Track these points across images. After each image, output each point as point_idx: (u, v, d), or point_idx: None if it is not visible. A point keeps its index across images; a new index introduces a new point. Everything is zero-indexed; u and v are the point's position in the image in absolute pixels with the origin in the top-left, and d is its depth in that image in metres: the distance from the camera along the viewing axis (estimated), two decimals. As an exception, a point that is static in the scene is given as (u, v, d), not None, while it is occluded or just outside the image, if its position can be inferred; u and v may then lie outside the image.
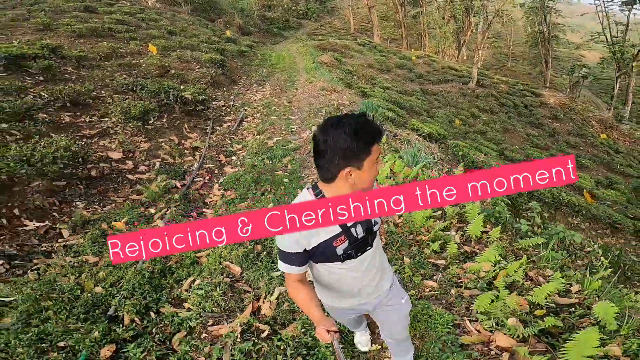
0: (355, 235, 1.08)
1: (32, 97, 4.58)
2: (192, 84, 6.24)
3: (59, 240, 2.55)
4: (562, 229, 2.89)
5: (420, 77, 14.28)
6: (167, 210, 2.71)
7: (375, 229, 1.13)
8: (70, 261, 2.28)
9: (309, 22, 30.39)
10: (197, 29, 14.27)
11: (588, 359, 1.45)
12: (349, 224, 1.06)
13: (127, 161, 3.57)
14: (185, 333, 1.82)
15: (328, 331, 1.09)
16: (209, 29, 16.04)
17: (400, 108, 8.67)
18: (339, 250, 1.07)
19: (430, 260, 2.20)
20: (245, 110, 6.14)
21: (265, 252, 2.13)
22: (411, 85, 13.49)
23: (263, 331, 1.69)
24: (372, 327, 1.82)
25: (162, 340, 1.82)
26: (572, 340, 1.47)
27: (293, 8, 28.35)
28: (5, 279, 2.19)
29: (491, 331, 1.66)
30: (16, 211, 2.67)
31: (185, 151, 3.98)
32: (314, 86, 7.64)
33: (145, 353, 1.76)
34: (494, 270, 1.96)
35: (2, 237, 2.47)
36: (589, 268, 2.39)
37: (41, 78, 5.43)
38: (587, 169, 11.52)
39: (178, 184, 3.15)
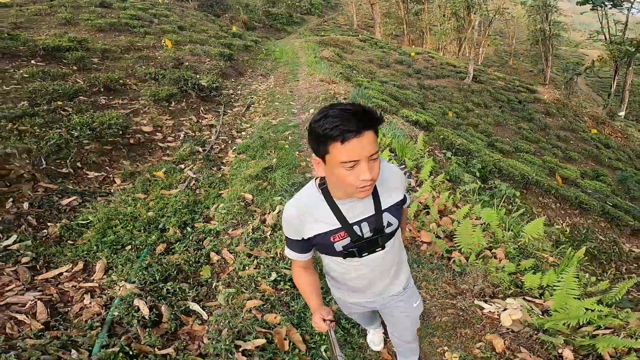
0: (359, 234, 1.03)
1: (70, 83, 5.49)
2: (205, 75, 7.13)
3: (114, 185, 3.45)
4: (504, 186, 3.72)
5: (418, 72, 15.06)
6: (194, 166, 3.60)
7: (387, 230, 1.06)
8: (126, 197, 3.17)
9: (312, 17, 31.18)
10: (205, 25, 15.16)
11: (471, 245, 2.31)
12: (351, 220, 1.01)
13: (157, 133, 4.47)
14: (213, 237, 2.70)
15: (324, 320, 1.11)
16: (216, 24, 16.94)
17: (395, 100, 9.48)
18: (338, 247, 1.04)
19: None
20: (252, 98, 7.02)
21: (269, 185, 3.02)
22: (409, 80, 14.28)
23: (267, 232, 2.57)
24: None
25: (197, 241, 2.71)
26: (459, 235, 2.33)
27: (297, 4, 29.15)
28: (80, 210, 3.09)
29: (418, 230, 2.52)
30: (79, 164, 3.57)
31: (203, 127, 4.87)
32: (314, 78, 8.50)
33: (185, 249, 2.64)
34: (432, 198, 2.82)
35: (72, 181, 3.37)
36: (501, 203, 3.23)
37: (75, 67, 6.33)
38: (575, 162, 12.24)
39: (200, 149, 4.04)
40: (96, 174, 3.52)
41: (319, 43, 16.37)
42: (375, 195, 1.01)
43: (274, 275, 2.15)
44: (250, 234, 2.50)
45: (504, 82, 15.85)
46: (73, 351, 1.64)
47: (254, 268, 2.24)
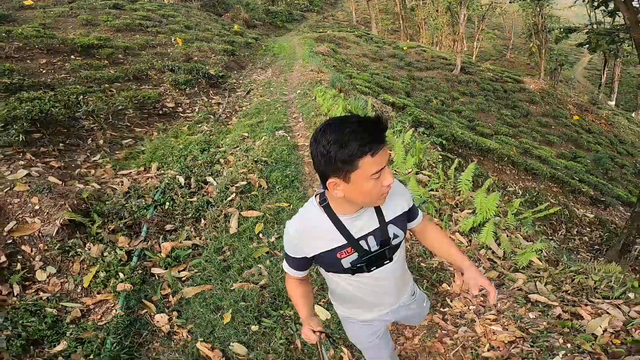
0: (366, 248, 1.04)
1: (107, 72, 7.06)
2: (212, 66, 8.68)
3: (153, 135, 5.00)
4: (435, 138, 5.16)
5: (409, 64, 16.50)
6: (208, 124, 5.14)
7: (394, 242, 1.08)
8: (164, 139, 4.70)
9: (312, 14, 32.76)
10: (209, 24, 16.79)
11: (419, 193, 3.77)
12: (356, 235, 1.02)
13: (178, 108, 6.01)
14: (221, 152, 4.19)
15: (314, 332, 1.14)
16: (219, 23, 18.55)
17: (380, 88, 10.95)
18: (345, 263, 1.04)
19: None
20: (252, 85, 8.55)
21: (260, 129, 4.54)
22: (399, 72, 15.72)
23: (254, 147, 4.08)
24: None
25: (212, 155, 4.19)
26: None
27: (296, 2, 30.74)
28: (134, 146, 4.63)
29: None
30: (128, 123, 5.13)
31: (213, 104, 6.40)
32: (306, 69, 10.00)
33: (204, 158, 4.12)
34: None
35: (127, 128, 4.92)
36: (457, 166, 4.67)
37: (106, 61, 7.92)
38: (554, 145, 13.53)
39: (211, 116, 5.57)
40: (140, 129, 5.08)
41: (316, 39, 17.88)
42: (377, 208, 1.04)
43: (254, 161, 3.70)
44: (245, 148, 4.01)
45: (492, 73, 17.21)
46: (142, 200, 3.15)
47: (244, 160, 3.74)
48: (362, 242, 1.03)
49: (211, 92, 7.23)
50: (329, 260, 1.05)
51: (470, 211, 2.88)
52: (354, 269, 1.06)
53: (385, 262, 1.09)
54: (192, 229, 2.90)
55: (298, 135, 4.54)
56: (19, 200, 2.55)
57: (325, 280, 1.24)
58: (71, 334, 1.97)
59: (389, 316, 1.28)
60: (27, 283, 2.22)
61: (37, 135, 3.61)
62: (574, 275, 2.23)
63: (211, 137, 4.60)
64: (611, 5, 7.93)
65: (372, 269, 1.08)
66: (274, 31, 24.45)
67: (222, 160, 3.90)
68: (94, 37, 9.14)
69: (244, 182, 3.32)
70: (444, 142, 6.96)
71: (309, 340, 1.16)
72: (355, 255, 1.03)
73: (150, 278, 2.45)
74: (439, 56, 18.30)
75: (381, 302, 1.22)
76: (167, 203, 3.15)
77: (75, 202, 2.66)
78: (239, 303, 2.15)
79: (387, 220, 1.05)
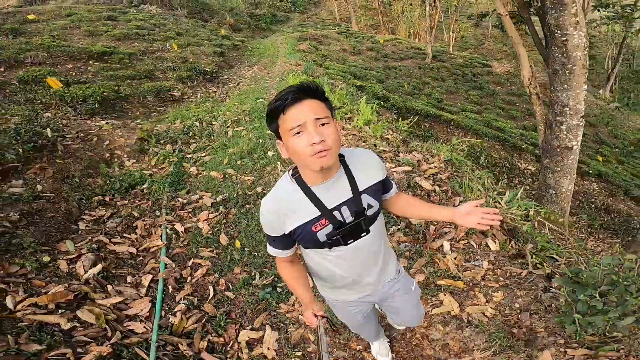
0: (340, 219, 1.09)
1: (125, 72, 9.04)
2: (206, 65, 10.70)
3: (165, 113, 6.99)
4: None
5: (385, 56, 18.62)
6: (209, 103, 7.17)
7: (369, 212, 1.13)
8: (180, 111, 6.72)
9: (296, 15, 34.96)
10: (197, 30, 18.84)
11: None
12: (330, 206, 1.07)
13: (184, 96, 8.01)
14: (219, 112, 6.21)
15: (315, 316, 1.21)
16: (206, 29, 20.60)
17: (354, 76, 12.98)
18: (321, 236, 1.10)
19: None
20: (241, 79, 10.57)
21: (249, 97, 6.56)
22: (376, 63, 17.82)
23: (241, 108, 6.11)
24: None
25: (212, 117, 6.20)
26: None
27: (278, 4, 32.94)
28: (158, 116, 6.62)
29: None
30: (150, 105, 7.13)
31: (210, 93, 8.41)
32: (286, 64, 12.05)
33: (206, 116, 6.16)
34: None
35: (151, 108, 6.92)
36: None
37: (118, 65, 9.91)
38: (517, 119, 15.62)
39: (210, 99, 7.60)
40: (160, 108, 7.08)
41: (298, 38, 19.98)
42: (350, 176, 1.08)
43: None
44: (235, 109, 6.02)
45: (463, 60, 19.37)
46: (176, 132, 5.18)
47: (236, 112, 5.73)
48: (336, 213, 1.08)
49: (208, 84, 9.25)
50: (304, 235, 1.10)
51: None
52: (329, 242, 1.11)
53: (362, 235, 1.14)
54: (206, 140, 5.04)
55: (273, 102, 6.68)
56: (107, 132, 4.53)
57: (307, 264, 1.28)
58: (150, 179, 3.98)
59: (371, 297, 1.35)
60: (121, 167, 4.26)
61: (100, 108, 5.64)
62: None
63: (212, 108, 6.63)
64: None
65: (348, 241, 1.13)
66: (259, 33, 26.53)
67: (221, 115, 5.94)
68: (101, 45, 11.11)
69: (235, 118, 5.59)
70: (382, 102, 8.96)
71: (310, 324, 1.23)
72: (330, 227, 1.08)
73: (185, 156, 4.54)
74: (413, 47, 20.47)
75: (362, 279, 1.25)
76: (190, 133, 5.33)
77: (138, 133, 4.69)
78: (232, 157, 4.23)
79: (360, 190, 1.10)
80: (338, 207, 1.08)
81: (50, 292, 2.02)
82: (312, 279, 1.39)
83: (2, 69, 7.19)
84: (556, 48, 4.22)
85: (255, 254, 2.85)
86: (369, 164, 1.15)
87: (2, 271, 2.14)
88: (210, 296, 2.42)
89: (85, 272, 2.27)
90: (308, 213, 1.07)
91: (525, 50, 5.28)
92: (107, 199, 3.40)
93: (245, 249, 2.91)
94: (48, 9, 16.49)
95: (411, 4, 23.23)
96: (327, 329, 1.92)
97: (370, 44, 21.02)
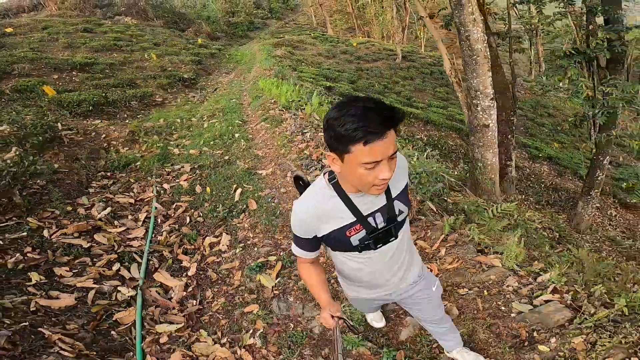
0: (374, 225, 1.14)
1: (108, 81, 9.97)
2: (184, 73, 11.73)
3: (149, 115, 8.00)
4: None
5: (358, 58, 20.00)
6: (188, 106, 8.21)
7: (399, 218, 1.18)
8: (162, 112, 7.75)
9: (273, 21, 36.27)
10: (174, 40, 19.83)
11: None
12: (365, 213, 1.12)
13: (165, 101, 9.02)
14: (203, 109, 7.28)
15: (332, 317, 1.23)
16: (183, 39, 21.59)
17: (325, 78, 14.21)
18: (354, 241, 1.14)
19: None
20: (218, 85, 11.64)
21: (224, 98, 7.63)
22: (349, 65, 19.15)
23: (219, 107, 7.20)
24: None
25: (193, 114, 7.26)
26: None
27: (255, 11, 34.21)
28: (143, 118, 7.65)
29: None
30: (136, 108, 8.14)
31: (190, 97, 9.44)
32: (261, 69, 13.19)
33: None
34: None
35: (130, 109, 7.92)
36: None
37: (100, 75, 10.82)
38: (482, 113, 17.12)
39: (190, 102, 8.63)
40: (144, 111, 8.08)
41: (274, 45, 21.20)
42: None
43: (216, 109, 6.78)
44: (210, 108, 7.09)
45: (431, 59, 20.95)
46: (160, 128, 6.22)
47: (211, 109, 6.80)
48: (370, 219, 1.13)
49: (187, 90, 10.28)
50: (338, 239, 1.14)
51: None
52: (361, 247, 1.16)
53: (390, 239, 1.19)
54: (186, 131, 6.21)
55: (244, 101, 7.64)
56: (103, 128, 5.55)
57: (333, 260, 1.35)
58: (142, 159, 4.99)
59: (390, 297, 1.43)
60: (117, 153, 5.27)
61: (92, 111, 6.61)
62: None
63: (191, 109, 7.68)
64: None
65: (378, 246, 1.18)
66: (236, 41, 27.62)
67: (198, 113, 6.99)
68: (81, 57, 11.99)
69: (210, 114, 6.54)
70: (340, 97, 10.17)
71: (326, 325, 1.26)
72: (363, 233, 1.13)
73: (169, 143, 5.71)
74: (385, 48, 21.96)
75: (386, 282, 1.33)
76: (173, 127, 6.40)
77: (129, 127, 5.72)
78: (207, 139, 5.51)
79: (393, 197, 1.15)
80: (372, 214, 1.14)
81: (74, 224, 3.02)
82: (337, 275, 1.48)
83: (-8, 81, 8.06)
84: (463, 42, 5.28)
85: (220, 194, 3.95)
86: (400, 169, 1.17)
87: (39, 215, 3.12)
88: (187, 222, 3.48)
89: (98, 213, 3.27)
90: (344, 219, 1.11)
91: (444, 46, 6.52)
92: (109, 174, 4.42)
93: (213, 192, 4.00)
94: (23, 22, 17.24)
95: (382, 7, 24.83)
96: (343, 330, 1.98)
97: (344, 47, 22.41)
